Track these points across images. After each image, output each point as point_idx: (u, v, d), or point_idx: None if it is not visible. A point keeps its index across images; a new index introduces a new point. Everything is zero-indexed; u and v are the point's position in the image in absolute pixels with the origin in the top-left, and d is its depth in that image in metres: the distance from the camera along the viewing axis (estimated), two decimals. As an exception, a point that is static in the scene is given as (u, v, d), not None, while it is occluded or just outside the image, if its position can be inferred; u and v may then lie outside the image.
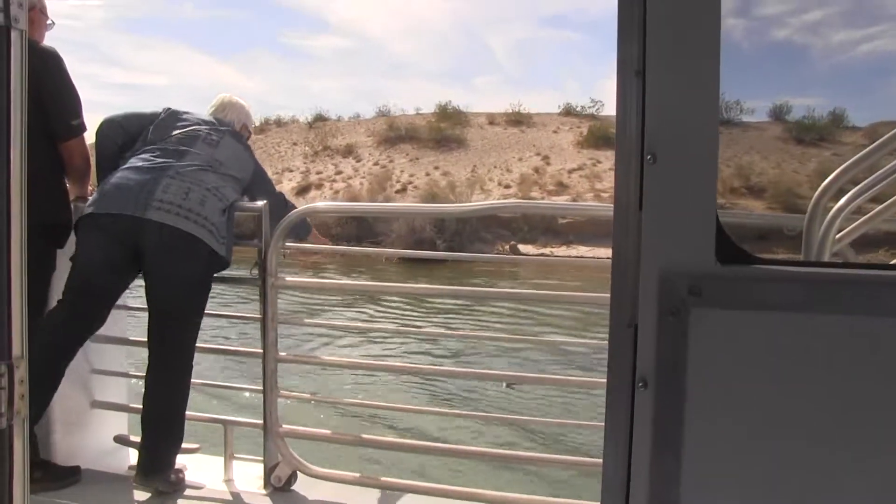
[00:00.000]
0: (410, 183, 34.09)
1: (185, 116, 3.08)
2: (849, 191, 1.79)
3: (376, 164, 36.80)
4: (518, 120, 40.84)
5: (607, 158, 34.35)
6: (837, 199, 1.79)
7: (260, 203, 2.98)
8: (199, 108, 3.26)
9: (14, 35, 1.17)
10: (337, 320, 11.69)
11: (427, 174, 34.92)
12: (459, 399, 7.86)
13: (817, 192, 1.83)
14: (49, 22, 2.99)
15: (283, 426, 3.00)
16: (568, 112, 41.43)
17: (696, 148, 0.99)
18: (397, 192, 33.18)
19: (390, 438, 3.35)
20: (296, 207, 3.10)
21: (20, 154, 1.25)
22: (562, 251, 26.33)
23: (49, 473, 2.84)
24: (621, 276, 1.03)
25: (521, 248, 26.50)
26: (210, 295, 2.89)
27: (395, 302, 14.03)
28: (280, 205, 3.12)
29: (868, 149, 1.76)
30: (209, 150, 2.96)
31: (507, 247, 26.32)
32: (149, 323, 2.80)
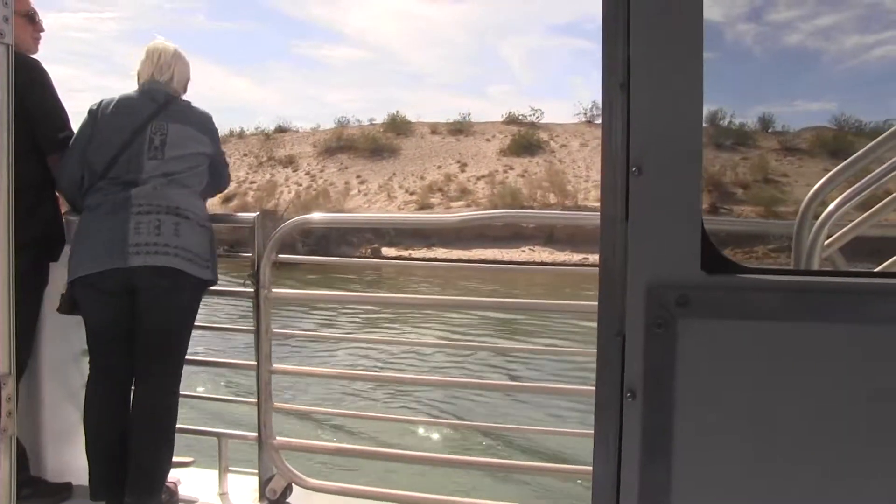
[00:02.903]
0: (300, 187, 36.28)
1: (118, 123, 2.79)
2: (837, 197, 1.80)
3: (307, 173, 38.69)
4: (459, 129, 42.37)
5: (520, 165, 36.61)
6: (826, 205, 1.80)
7: (252, 215, 2.97)
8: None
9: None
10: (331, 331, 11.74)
11: (346, 182, 36.84)
12: (452, 409, 7.86)
13: (806, 199, 1.84)
14: (40, 32, 2.93)
15: (278, 438, 2.99)
16: (511, 120, 42.55)
17: (680, 159, 0.99)
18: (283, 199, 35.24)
19: (385, 450, 3.34)
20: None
21: (7, 168, 1.25)
22: (422, 253, 27.30)
23: (39, 490, 2.82)
24: (609, 286, 1.03)
25: (384, 251, 27.30)
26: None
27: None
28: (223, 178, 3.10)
29: (856, 154, 1.77)
30: (157, 164, 2.76)
31: (368, 250, 27.01)
32: (136, 342, 2.77)
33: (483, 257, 25.79)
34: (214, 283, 2.85)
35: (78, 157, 2.80)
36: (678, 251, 1.00)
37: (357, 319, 13.65)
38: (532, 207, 29.78)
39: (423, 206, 33.30)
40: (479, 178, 35.74)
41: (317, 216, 3.16)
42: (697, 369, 1.00)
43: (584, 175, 35.34)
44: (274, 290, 2.95)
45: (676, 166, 0.99)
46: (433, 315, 13.41)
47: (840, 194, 1.79)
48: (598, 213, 1.05)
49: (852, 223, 1.87)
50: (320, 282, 18.70)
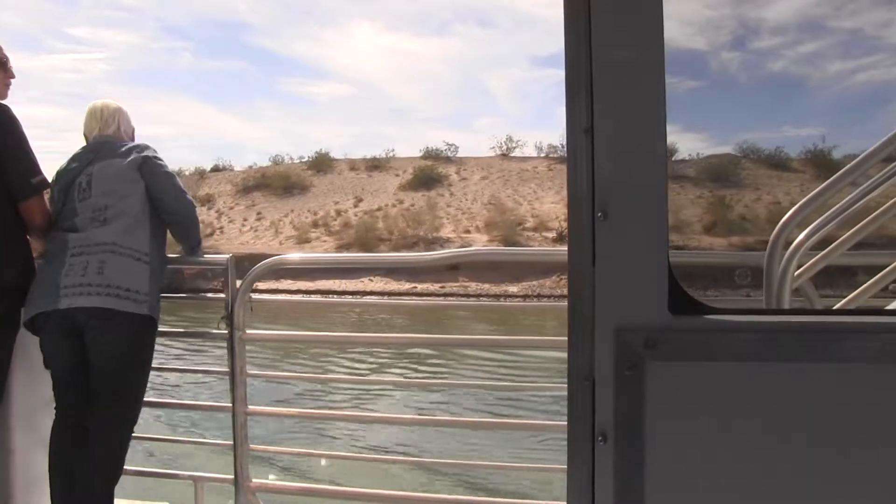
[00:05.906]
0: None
1: (64, 179, 2.91)
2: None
3: (218, 211, 39.87)
4: (375, 165, 43.49)
5: (410, 199, 37.73)
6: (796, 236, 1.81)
7: (224, 257, 2.95)
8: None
9: None
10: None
11: (244, 219, 38.36)
12: (428, 446, 7.82)
13: (776, 229, 1.85)
14: (11, 78, 2.91)
15: (255, 480, 2.94)
16: (428, 155, 43.47)
17: (645, 203, 1.00)
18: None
19: (363, 490, 3.30)
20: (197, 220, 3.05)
21: None
22: (268, 285, 28.06)
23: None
24: (578, 330, 1.03)
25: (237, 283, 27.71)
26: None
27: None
28: (186, 213, 2.98)
29: (824, 184, 1.79)
30: (87, 203, 2.82)
31: (219, 283, 27.23)
32: (90, 386, 2.74)
33: (322, 288, 26.91)
34: (155, 320, 2.76)
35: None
36: (645, 294, 1.00)
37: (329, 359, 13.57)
38: (390, 240, 32.85)
39: (302, 241, 34.72)
40: (365, 213, 36.91)
41: (294, 256, 3.12)
42: (667, 412, 1.00)
43: (465, 207, 36.41)
44: (248, 331, 2.93)
45: (642, 210, 1.00)
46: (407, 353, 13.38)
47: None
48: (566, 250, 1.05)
49: (821, 253, 1.89)
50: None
